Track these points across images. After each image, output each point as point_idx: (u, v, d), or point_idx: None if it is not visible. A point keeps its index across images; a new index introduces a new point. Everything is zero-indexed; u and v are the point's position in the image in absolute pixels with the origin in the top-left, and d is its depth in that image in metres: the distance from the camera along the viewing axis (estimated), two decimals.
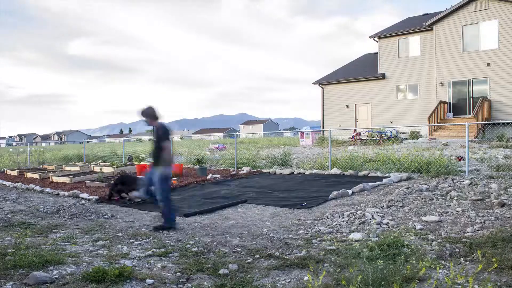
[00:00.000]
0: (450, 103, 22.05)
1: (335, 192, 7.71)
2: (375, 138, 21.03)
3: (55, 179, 12.38)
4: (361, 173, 10.53)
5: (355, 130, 23.05)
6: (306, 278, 3.65)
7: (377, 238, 4.82)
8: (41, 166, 18.37)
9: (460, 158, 11.30)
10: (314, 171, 11.56)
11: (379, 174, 10.16)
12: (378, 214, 5.97)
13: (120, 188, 8.49)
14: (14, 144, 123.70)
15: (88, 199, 8.64)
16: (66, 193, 9.46)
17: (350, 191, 7.90)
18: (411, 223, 5.52)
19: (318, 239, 4.99)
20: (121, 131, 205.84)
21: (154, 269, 4.05)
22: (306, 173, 11.53)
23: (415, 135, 22.48)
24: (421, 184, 8.05)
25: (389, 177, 9.36)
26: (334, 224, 5.68)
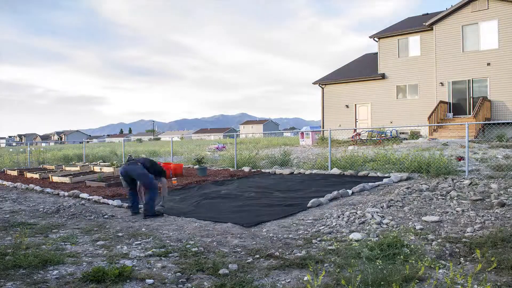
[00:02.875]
0: (450, 103, 22.05)
1: (335, 192, 7.71)
2: (375, 138, 21.03)
3: (55, 179, 12.38)
4: (361, 173, 10.53)
5: (355, 130, 23.06)
6: (306, 278, 3.66)
7: (377, 238, 4.82)
8: (41, 166, 18.37)
9: (460, 158, 11.30)
10: (314, 171, 11.56)
11: (379, 174, 10.16)
12: (378, 214, 5.97)
13: None
14: (14, 144, 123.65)
15: (88, 199, 8.64)
16: (66, 193, 9.46)
17: (350, 191, 7.90)
18: (411, 223, 5.52)
19: (318, 239, 4.99)
20: (121, 131, 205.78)
21: (154, 269, 4.04)
22: (306, 173, 11.53)
23: (415, 135, 22.48)
24: (421, 184, 8.05)
25: (389, 177, 9.37)
26: (334, 224, 5.68)
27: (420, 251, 4.23)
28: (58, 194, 9.67)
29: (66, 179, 11.89)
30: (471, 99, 21.40)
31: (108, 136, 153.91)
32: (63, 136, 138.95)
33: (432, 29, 22.58)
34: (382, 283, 3.27)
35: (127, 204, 7.45)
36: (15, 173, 15.20)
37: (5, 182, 12.48)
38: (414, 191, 7.53)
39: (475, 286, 3.31)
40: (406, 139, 21.65)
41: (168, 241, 5.09)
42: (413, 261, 3.89)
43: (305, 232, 5.37)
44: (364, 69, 27.20)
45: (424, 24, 22.96)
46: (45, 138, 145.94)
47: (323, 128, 26.22)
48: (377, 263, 3.76)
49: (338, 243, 4.74)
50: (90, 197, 8.75)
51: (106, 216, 6.85)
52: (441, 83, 22.26)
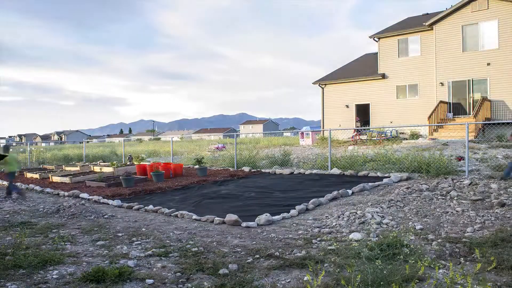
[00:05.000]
0: (450, 103, 22.04)
1: (335, 192, 7.71)
2: (375, 138, 21.03)
3: (55, 179, 12.38)
4: (361, 173, 10.53)
5: (355, 130, 23.05)
6: (306, 278, 3.65)
7: (377, 238, 4.82)
8: (41, 166, 18.37)
9: (460, 158, 11.30)
10: (314, 171, 11.55)
11: (379, 174, 10.16)
12: (378, 214, 5.97)
13: None
14: (14, 144, 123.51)
15: (88, 199, 8.64)
16: (66, 193, 9.46)
17: (350, 191, 7.90)
18: (411, 223, 5.52)
19: (318, 239, 4.99)
20: (121, 131, 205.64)
21: (154, 269, 4.04)
22: (306, 173, 11.53)
23: (415, 135, 22.47)
24: (421, 184, 8.05)
25: (389, 177, 9.37)
26: (334, 224, 5.68)
27: (420, 251, 4.23)
28: (58, 194, 9.67)
29: (66, 179, 11.89)
30: (471, 99, 21.39)
31: (108, 136, 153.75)
32: (63, 136, 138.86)
33: (432, 29, 22.57)
34: (382, 283, 3.27)
35: (127, 204, 7.50)
36: None
37: (5, 182, 12.47)
38: (414, 191, 7.52)
39: (475, 286, 3.30)
40: (406, 139, 21.64)
41: (168, 241, 5.09)
42: (413, 261, 3.89)
43: (305, 232, 5.37)
44: (364, 69, 27.19)
45: (424, 24, 22.95)
46: (45, 138, 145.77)
47: (323, 128, 26.22)
48: (377, 263, 3.76)
49: (338, 243, 4.74)
50: (90, 197, 8.75)
51: (106, 216, 6.85)
52: (441, 83, 22.26)
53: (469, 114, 21.12)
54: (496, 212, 5.80)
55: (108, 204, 8.11)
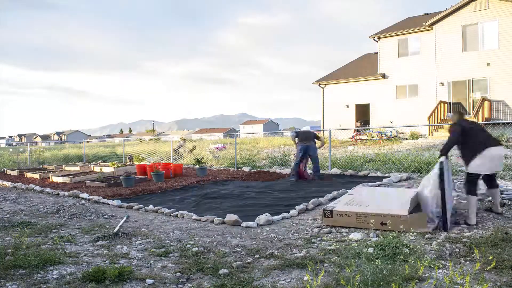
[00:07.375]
0: (450, 103, 22.05)
1: (334, 192, 7.71)
2: (375, 138, 21.04)
3: (55, 179, 12.38)
4: (361, 173, 10.54)
5: (355, 130, 23.05)
6: (306, 278, 3.66)
7: (376, 238, 4.82)
8: (41, 166, 18.37)
9: None
10: None
11: (379, 174, 10.17)
12: None
13: None
14: (14, 144, 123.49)
15: (88, 199, 8.64)
16: (66, 193, 9.46)
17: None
18: None
19: (318, 239, 4.99)
20: (121, 131, 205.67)
21: (154, 269, 4.05)
22: None
23: (415, 135, 22.48)
24: None
25: (389, 177, 9.37)
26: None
27: (420, 251, 4.24)
28: (58, 194, 9.67)
29: (66, 179, 11.90)
30: (471, 99, 21.40)
31: (108, 136, 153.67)
32: (63, 136, 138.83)
33: (432, 29, 22.58)
34: (381, 283, 3.28)
35: (127, 204, 7.53)
36: (15, 173, 15.20)
37: (5, 182, 12.48)
38: None
39: (475, 286, 3.31)
40: (406, 139, 21.66)
41: (168, 241, 5.09)
42: (413, 261, 3.90)
43: (305, 232, 5.38)
44: (364, 69, 27.20)
45: (424, 24, 22.96)
46: (45, 138, 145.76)
47: (323, 128, 26.23)
48: (377, 263, 3.77)
49: (338, 243, 4.74)
50: (90, 197, 8.75)
51: (106, 216, 6.85)
52: (441, 83, 22.26)
53: (469, 114, 21.11)
54: (496, 212, 5.79)
55: (108, 204, 8.11)
